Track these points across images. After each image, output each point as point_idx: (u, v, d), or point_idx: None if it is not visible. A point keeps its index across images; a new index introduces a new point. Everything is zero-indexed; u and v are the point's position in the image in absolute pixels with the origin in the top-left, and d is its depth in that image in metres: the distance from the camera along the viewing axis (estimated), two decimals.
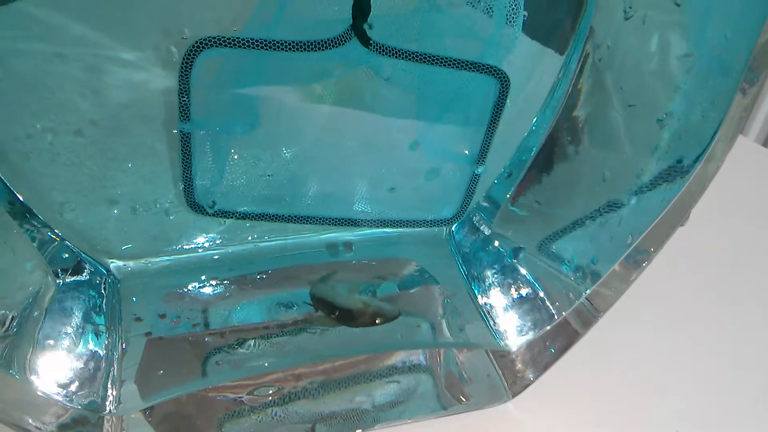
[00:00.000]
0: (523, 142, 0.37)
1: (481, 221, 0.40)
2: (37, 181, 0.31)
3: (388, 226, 0.40)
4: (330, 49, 0.31)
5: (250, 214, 0.37)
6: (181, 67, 0.30)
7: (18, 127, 0.29)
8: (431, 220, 0.40)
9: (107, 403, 0.32)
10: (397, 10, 0.32)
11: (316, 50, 0.31)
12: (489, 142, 0.36)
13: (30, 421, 0.30)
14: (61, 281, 0.33)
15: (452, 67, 0.33)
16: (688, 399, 0.42)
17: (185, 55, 0.29)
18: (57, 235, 0.33)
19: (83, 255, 0.34)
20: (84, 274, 0.34)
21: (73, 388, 0.31)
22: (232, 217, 0.37)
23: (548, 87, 0.35)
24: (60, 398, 0.31)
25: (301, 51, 0.31)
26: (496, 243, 0.39)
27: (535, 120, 0.36)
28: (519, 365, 0.39)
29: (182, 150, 0.33)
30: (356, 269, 0.40)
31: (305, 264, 0.38)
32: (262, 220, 0.37)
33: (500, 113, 0.35)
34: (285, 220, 0.37)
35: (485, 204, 0.40)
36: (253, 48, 0.30)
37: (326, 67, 0.32)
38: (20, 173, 0.30)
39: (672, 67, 0.29)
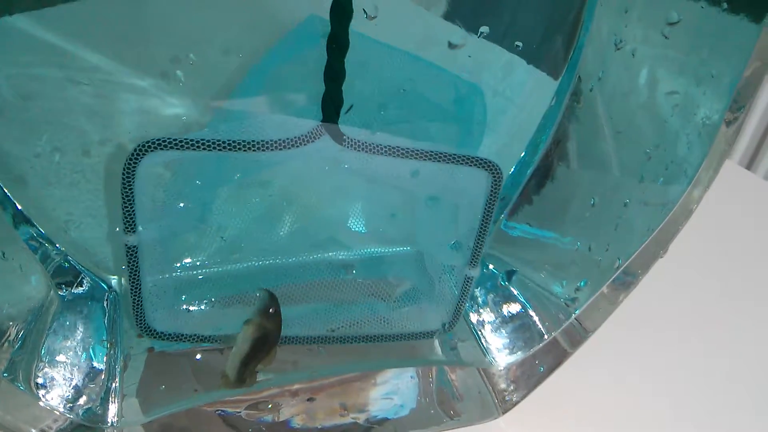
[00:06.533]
0: (516, 166, 0.38)
1: None
2: (44, 198, 0.32)
3: (370, 341, 0.37)
4: (298, 147, 0.29)
5: (210, 337, 0.34)
6: (124, 174, 0.28)
7: (26, 146, 0.30)
8: (422, 332, 0.37)
9: (109, 416, 0.33)
10: (370, 102, 0.29)
11: (282, 149, 0.29)
12: (482, 241, 0.34)
13: None
14: (64, 295, 0.33)
15: (434, 161, 0.31)
16: (680, 416, 0.43)
17: (128, 160, 0.28)
18: (60, 250, 0.33)
19: (86, 271, 0.35)
20: (86, 289, 0.35)
21: (75, 400, 0.32)
22: (190, 342, 0.34)
23: (542, 112, 0.36)
24: (63, 410, 0.31)
25: (267, 150, 0.28)
26: (490, 265, 0.40)
27: (527, 144, 0.37)
28: (509, 383, 0.40)
29: (129, 266, 0.30)
30: (350, 289, 0.40)
31: (305, 282, 0.38)
32: (224, 343, 0.34)
33: (492, 208, 0.33)
34: None
35: None
36: (208, 149, 0.28)
37: (294, 163, 0.30)
38: (27, 190, 0.31)
39: (659, 101, 0.30)
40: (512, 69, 0.33)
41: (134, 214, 0.29)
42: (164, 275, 0.32)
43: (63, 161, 0.31)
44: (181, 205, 0.30)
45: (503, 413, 0.40)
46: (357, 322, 0.36)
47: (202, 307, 0.34)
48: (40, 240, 0.32)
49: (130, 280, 0.31)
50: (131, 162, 0.28)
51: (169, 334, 0.33)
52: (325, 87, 0.27)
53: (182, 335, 0.34)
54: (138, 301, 0.32)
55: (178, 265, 0.32)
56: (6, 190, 0.31)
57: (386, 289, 0.36)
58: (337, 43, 0.26)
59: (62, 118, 0.29)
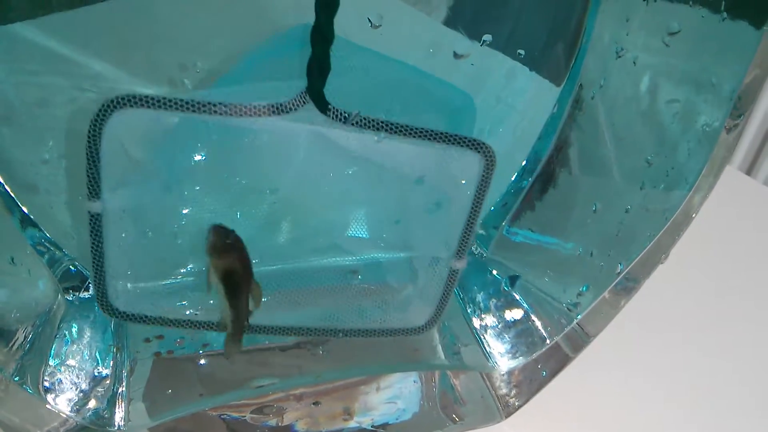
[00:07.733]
0: (518, 172, 0.38)
1: (477, 248, 0.41)
2: (51, 203, 0.32)
3: (354, 335, 0.35)
4: (279, 114, 0.26)
5: (175, 321, 0.32)
6: (90, 131, 0.26)
7: (33, 152, 0.30)
8: (404, 329, 0.35)
9: (116, 419, 0.33)
10: (360, 70, 0.27)
11: (262, 115, 0.27)
12: (470, 232, 0.31)
13: None
14: (71, 300, 0.34)
15: (426, 139, 0.28)
16: (683, 419, 0.43)
17: (94, 117, 0.25)
18: (66, 255, 0.34)
19: None
20: (93, 294, 0.35)
21: (83, 404, 0.32)
22: (150, 323, 0.31)
23: (544, 119, 0.36)
24: (70, 413, 0.31)
25: (246, 116, 0.26)
26: (494, 271, 0.40)
27: (530, 151, 0.37)
28: (512, 387, 0.40)
29: (92, 236, 0.27)
30: (353, 294, 0.41)
31: (310, 287, 0.38)
32: (189, 327, 0.32)
33: (483, 197, 0.31)
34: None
35: (481, 231, 0.40)
36: (181, 110, 0.26)
37: (274, 133, 0.28)
38: (35, 195, 0.31)
39: (660, 108, 0.30)
40: (514, 76, 0.34)
41: (99, 177, 0.26)
42: (131, 248, 0.29)
43: (70, 167, 0.31)
44: (150, 174, 0.28)
45: (506, 417, 0.40)
46: (340, 318, 0.35)
47: (170, 291, 0.32)
48: (47, 245, 0.33)
49: (92, 253, 0.28)
50: (98, 120, 0.25)
51: (132, 315, 0.31)
52: (312, 50, 0.25)
53: (146, 317, 0.31)
54: (100, 276, 0.29)
55: (152, 237, 0.30)
56: (13, 195, 0.31)
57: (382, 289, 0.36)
58: (326, 1, 0.24)
59: (69, 125, 0.29)
